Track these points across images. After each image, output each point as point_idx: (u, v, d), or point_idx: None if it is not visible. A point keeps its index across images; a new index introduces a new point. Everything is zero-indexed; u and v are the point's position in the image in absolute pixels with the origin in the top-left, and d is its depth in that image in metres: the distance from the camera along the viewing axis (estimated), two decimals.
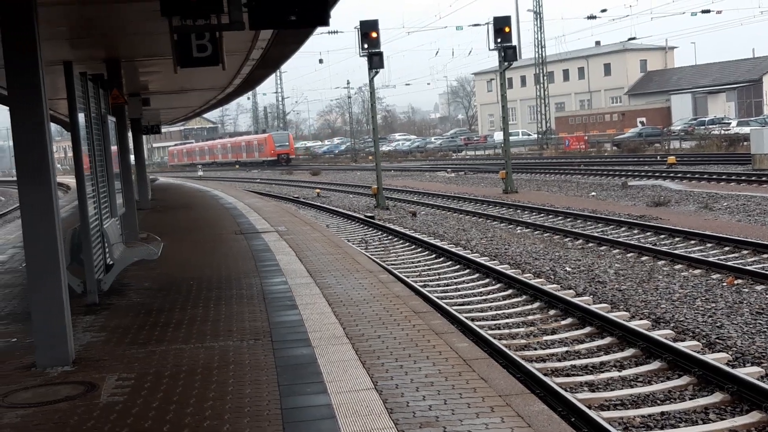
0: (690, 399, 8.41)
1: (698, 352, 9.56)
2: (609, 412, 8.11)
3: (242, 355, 7.71)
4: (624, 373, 9.34)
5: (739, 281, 13.60)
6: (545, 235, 20.87)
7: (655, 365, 9.43)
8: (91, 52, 16.45)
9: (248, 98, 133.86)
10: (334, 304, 9.72)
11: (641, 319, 11.78)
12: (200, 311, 9.87)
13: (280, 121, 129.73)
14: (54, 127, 39.48)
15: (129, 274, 12.61)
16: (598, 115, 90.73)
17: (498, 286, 14.53)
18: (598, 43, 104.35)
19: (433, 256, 18.40)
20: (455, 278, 15.75)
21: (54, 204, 7.69)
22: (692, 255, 16.00)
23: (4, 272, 14.27)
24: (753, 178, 31.12)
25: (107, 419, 6.16)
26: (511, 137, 42.33)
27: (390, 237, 22.21)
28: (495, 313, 12.78)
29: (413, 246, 20.13)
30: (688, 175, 34.68)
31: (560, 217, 24.28)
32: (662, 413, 7.99)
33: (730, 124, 63.88)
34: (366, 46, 31.09)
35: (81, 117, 10.18)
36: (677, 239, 18.51)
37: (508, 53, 33.31)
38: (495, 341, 10.29)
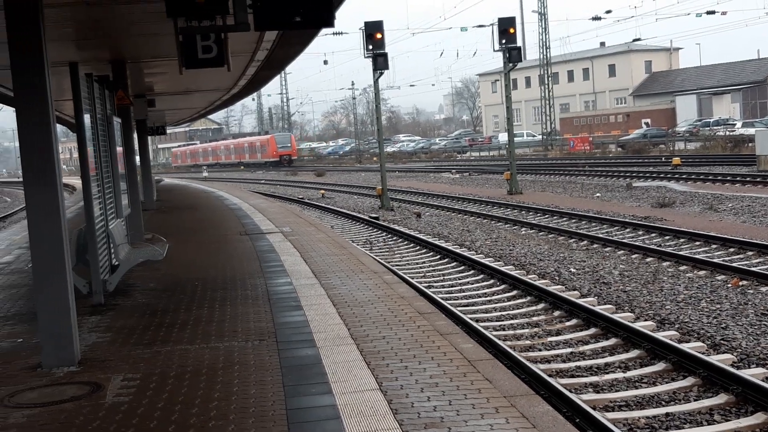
0: (695, 400, 8.40)
1: (703, 354, 9.56)
2: (614, 413, 8.11)
3: (247, 356, 7.73)
4: (629, 374, 9.33)
5: (744, 282, 13.59)
6: (550, 236, 20.86)
7: (659, 366, 9.43)
8: (97, 53, 16.49)
9: (253, 99, 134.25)
10: (339, 305, 9.73)
11: (646, 320, 11.77)
12: (205, 312, 9.88)
13: (284, 122, 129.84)
14: (60, 128, 39.53)
15: (134, 274, 12.63)
16: (602, 116, 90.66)
17: (503, 287, 14.53)
18: (602, 44, 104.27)
19: (438, 257, 18.40)
20: (460, 279, 15.75)
21: (60, 205, 7.71)
22: (697, 256, 15.99)
23: (10, 273, 14.31)
24: (758, 179, 31.07)
25: (113, 419, 6.17)
26: (515, 138, 42.31)
27: (394, 238, 22.21)
28: (500, 314, 12.78)
29: (418, 247, 20.14)
30: (693, 176, 34.63)
31: (565, 218, 24.27)
32: (667, 414, 7.99)
33: (735, 125, 63.77)
34: (370, 47, 31.09)
35: (87, 118, 10.21)
36: (682, 240, 18.49)
37: (512, 54, 33.31)
38: (500, 342, 10.29)
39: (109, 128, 12.47)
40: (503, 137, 72.04)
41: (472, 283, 15.24)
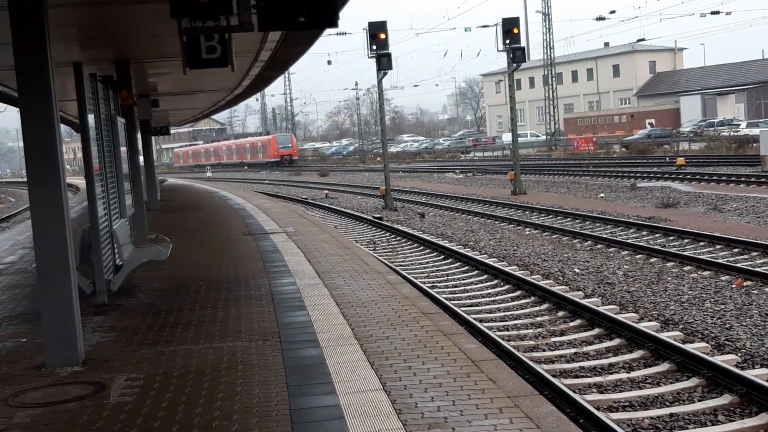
0: (699, 401, 8.39)
1: (707, 354, 9.55)
2: (618, 413, 8.10)
3: (251, 356, 7.73)
4: (633, 374, 9.32)
5: (749, 283, 13.57)
6: (554, 236, 20.85)
7: (663, 367, 9.42)
8: (101, 53, 16.50)
9: (257, 99, 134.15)
10: (343, 305, 9.73)
11: (650, 320, 11.76)
12: (209, 312, 9.89)
13: (288, 122, 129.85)
14: (64, 128, 39.58)
15: (138, 274, 12.64)
16: (606, 116, 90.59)
17: (506, 287, 14.52)
18: (606, 44, 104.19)
19: (442, 257, 18.40)
20: (463, 279, 15.74)
21: (64, 205, 7.72)
22: (701, 256, 15.96)
23: (14, 273, 14.33)
24: (762, 180, 31.00)
25: (116, 419, 6.18)
26: (519, 138, 42.27)
27: (398, 238, 22.21)
28: (503, 314, 12.77)
29: (421, 247, 20.13)
30: (697, 177, 34.59)
31: (569, 219, 24.25)
32: (671, 415, 7.98)
33: (739, 125, 63.68)
34: (374, 47, 31.10)
35: (91, 118, 10.21)
36: (686, 241, 18.47)
37: (516, 54, 33.27)
38: (503, 342, 10.28)
39: (113, 128, 12.48)
40: (507, 137, 71.97)
41: (476, 284, 15.23)
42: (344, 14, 9.97)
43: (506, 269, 15.64)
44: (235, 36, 8.58)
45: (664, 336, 10.32)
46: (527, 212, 27.15)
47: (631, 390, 8.83)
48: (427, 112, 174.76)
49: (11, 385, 7.25)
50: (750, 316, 11.58)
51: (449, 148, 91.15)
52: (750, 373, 8.67)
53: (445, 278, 16.00)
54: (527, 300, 13.49)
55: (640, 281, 14.52)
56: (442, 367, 7.01)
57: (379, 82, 33.62)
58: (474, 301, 13.83)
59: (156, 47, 16.50)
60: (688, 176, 35.26)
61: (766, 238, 17.82)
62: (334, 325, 8.76)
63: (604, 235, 19.86)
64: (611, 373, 9.45)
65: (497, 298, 13.94)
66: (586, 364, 9.84)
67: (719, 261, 15.37)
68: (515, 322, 12.22)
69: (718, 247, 17.33)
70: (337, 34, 56.82)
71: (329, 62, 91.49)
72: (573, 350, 10.48)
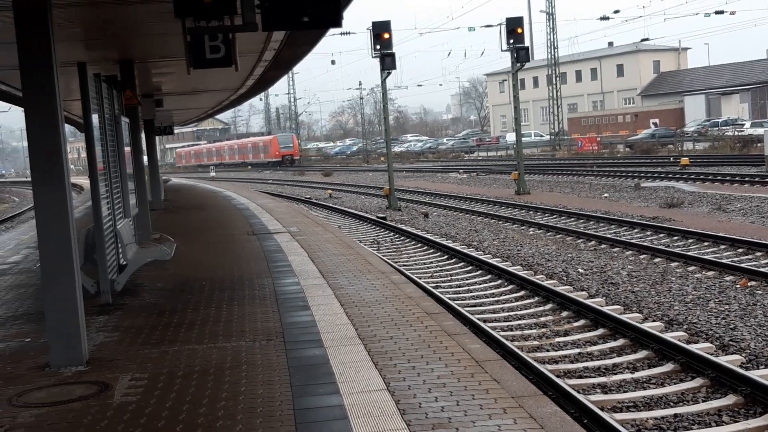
0: (703, 401, 8.38)
1: (711, 354, 9.52)
2: (622, 413, 8.09)
3: (255, 356, 7.73)
4: (637, 374, 9.31)
5: (753, 283, 13.54)
6: (558, 236, 20.83)
7: (668, 367, 9.40)
8: (105, 53, 16.53)
9: (261, 99, 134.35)
10: (347, 305, 9.73)
11: (654, 320, 11.75)
12: (213, 312, 9.89)
13: (292, 122, 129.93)
14: (68, 128, 39.63)
15: (142, 274, 12.65)
16: (610, 116, 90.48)
17: (510, 287, 14.51)
18: (610, 44, 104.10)
19: (446, 257, 18.39)
20: (467, 279, 15.73)
21: (68, 204, 7.72)
22: (706, 257, 15.94)
23: (18, 272, 14.35)
24: (767, 180, 30.97)
25: (120, 419, 6.18)
26: (523, 138, 42.28)
27: (402, 238, 22.21)
28: (507, 314, 12.76)
29: (425, 247, 20.13)
30: (701, 177, 34.55)
31: (573, 219, 24.23)
32: (675, 415, 7.97)
33: (743, 125, 63.61)
34: (378, 47, 31.08)
35: (95, 118, 10.23)
36: (690, 241, 18.44)
37: (520, 54, 33.27)
38: (507, 343, 10.27)
39: (117, 128, 12.49)
40: (511, 137, 71.97)
41: (480, 284, 15.22)
42: (348, 14, 9.99)
43: (510, 269, 15.63)
44: (239, 36, 8.58)
45: (669, 336, 10.30)
46: (531, 212, 27.14)
47: (635, 390, 8.82)
48: (431, 111, 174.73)
49: (15, 385, 7.26)
50: (754, 317, 11.56)
51: (453, 148, 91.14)
52: (754, 374, 8.65)
53: (449, 278, 16.00)
54: (531, 300, 13.49)
55: (644, 281, 14.50)
56: (446, 367, 7.01)
57: (383, 81, 33.61)
58: (478, 301, 13.82)
59: (160, 47, 16.52)
60: (692, 176, 35.22)
61: None
62: (337, 325, 8.75)
63: (608, 235, 19.84)
64: (615, 374, 9.44)
65: (501, 298, 13.93)
66: (590, 364, 9.83)
67: (723, 261, 15.34)
68: (519, 322, 12.22)
69: (723, 247, 17.30)
70: (341, 33, 56.72)
71: (333, 62, 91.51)
72: (577, 350, 10.47)
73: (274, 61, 19.73)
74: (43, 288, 7.98)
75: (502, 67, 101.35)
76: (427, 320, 8.77)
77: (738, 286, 13.55)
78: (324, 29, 13.19)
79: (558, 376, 8.97)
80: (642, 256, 16.90)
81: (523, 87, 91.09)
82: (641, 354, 9.99)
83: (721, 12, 63.64)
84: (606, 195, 31.85)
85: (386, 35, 31.02)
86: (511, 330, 11.73)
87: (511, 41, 33.02)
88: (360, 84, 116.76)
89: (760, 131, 51.91)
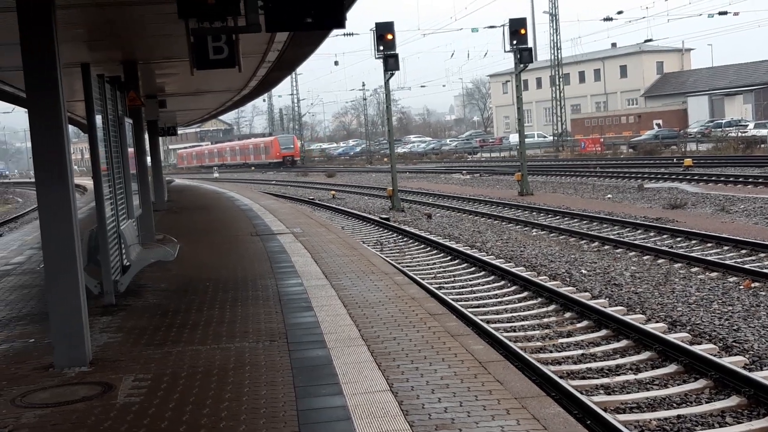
0: (706, 402, 8.37)
1: (715, 356, 9.52)
2: (625, 415, 8.08)
3: (258, 357, 7.74)
4: (640, 376, 9.30)
5: (756, 284, 13.53)
6: (561, 237, 20.82)
7: (671, 368, 9.40)
8: (109, 54, 16.55)
9: (264, 100, 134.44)
10: (350, 306, 9.73)
11: (657, 321, 11.74)
12: (216, 312, 9.90)
13: (295, 123, 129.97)
14: (71, 128, 39.69)
15: (145, 275, 12.66)
16: (614, 117, 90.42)
17: (513, 288, 14.50)
18: (614, 44, 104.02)
19: (449, 258, 18.39)
20: (470, 280, 15.73)
21: (71, 205, 7.73)
22: (709, 258, 15.92)
23: (22, 273, 14.36)
24: None
25: (124, 420, 6.19)
26: (526, 139, 42.21)
27: (405, 239, 22.21)
28: (510, 315, 12.76)
29: (428, 248, 20.13)
30: (704, 178, 34.51)
31: (576, 220, 24.21)
32: (678, 416, 7.96)
33: (747, 126, 63.54)
34: (381, 48, 31.10)
35: (98, 119, 10.23)
36: (694, 242, 18.43)
37: (523, 55, 33.27)
38: (511, 344, 10.27)
39: (121, 129, 12.51)
40: (514, 138, 71.97)
41: (483, 285, 15.22)
42: (351, 15, 9.98)
43: (513, 270, 15.63)
44: (242, 37, 8.60)
45: (672, 337, 10.29)
46: (534, 213, 27.12)
47: (638, 391, 8.82)
48: (434, 112, 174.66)
49: (19, 386, 7.27)
50: (758, 318, 11.55)
51: (456, 149, 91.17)
52: (758, 375, 8.64)
53: (452, 279, 15.99)
54: (534, 301, 13.48)
55: (647, 282, 14.49)
56: (449, 368, 7.01)
57: (386, 82, 33.63)
58: (481, 302, 13.82)
59: (163, 48, 16.54)
60: (696, 177, 35.19)
61: None
62: (341, 326, 8.76)
63: (612, 236, 19.83)
64: (618, 375, 9.43)
65: (504, 299, 13.92)
66: (593, 365, 9.83)
67: (727, 262, 15.33)
68: (522, 323, 12.21)
69: (726, 248, 17.28)
70: (344, 34, 56.73)
71: (336, 63, 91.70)
72: (580, 351, 10.47)
73: (277, 62, 19.75)
74: (46, 289, 7.99)
75: (505, 68, 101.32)
76: (431, 321, 8.77)
77: (741, 287, 13.53)
78: (327, 30, 13.21)
79: (561, 377, 8.96)
80: (645, 257, 16.88)
81: (526, 88, 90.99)
82: (644, 355, 9.99)
83: (725, 13, 63.66)
84: (609, 196, 31.83)
85: (389, 36, 31.04)
86: (515, 331, 11.72)
87: (515, 42, 33.02)
88: (363, 85, 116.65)
89: (763, 132, 51.93)
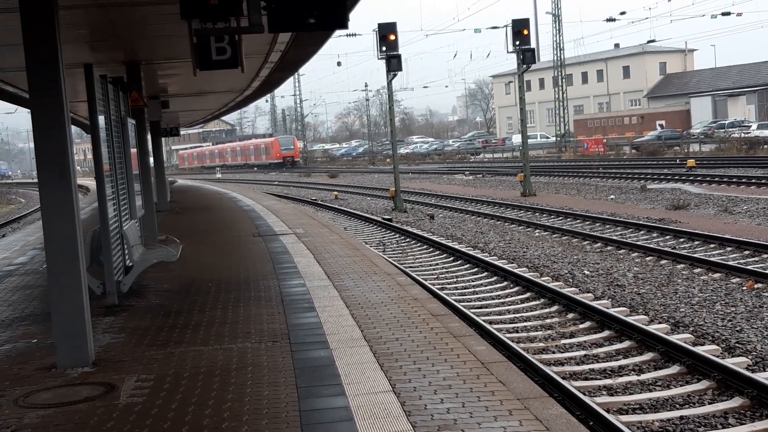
0: (709, 403, 8.36)
1: (718, 357, 9.51)
2: (627, 416, 8.08)
3: (260, 357, 7.73)
4: (643, 377, 9.30)
5: (759, 285, 13.51)
6: (563, 238, 20.81)
7: (674, 369, 9.39)
8: (111, 54, 16.56)
9: (266, 101, 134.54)
10: (352, 307, 9.73)
11: (660, 322, 11.73)
12: (219, 313, 9.90)
13: (298, 123, 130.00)
14: (74, 129, 39.74)
15: (148, 275, 12.67)
16: (617, 117, 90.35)
17: (516, 289, 14.50)
18: (617, 45, 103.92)
19: (451, 258, 18.38)
20: (473, 281, 15.72)
21: (74, 205, 7.74)
22: (712, 259, 15.91)
23: (25, 273, 14.38)
24: None
25: (126, 420, 6.19)
26: (529, 140, 42.21)
27: (408, 240, 22.21)
28: (513, 316, 12.75)
29: (431, 249, 20.12)
30: (707, 179, 34.48)
31: (579, 220, 24.20)
32: (681, 417, 7.95)
33: (750, 127, 63.45)
34: (384, 48, 31.10)
35: (101, 119, 10.24)
36: (696, 243, 18.41)
37: (526, 56, 33.23)
38: (513, 344, 10.26)
39: (124, 129, 12.51)
40: (517, 139, 71.88)
41: (486, 285, 15.21)
42: (354, 15, 10.00)
43: (516, 271, 15.62)
44: (245, 37, 8.59)
45: (675, 338, 10.28)
46: (537, 214, 27.11)
47: (641, 392, 8.81)
48: (437, 113, 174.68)
49: (22, 386, 7.28)
50: (761, 319, 11.53)
51: (459, 150, 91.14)
52: (761, 376, 8.63)
53: (455, 280, 15.99)
54: (537, 302, 13.47)
55: (650, 283, 14.48)
56: (451, 368, 7.01)
57: (389, 83, 33.63)
58: (484, 302, 13.82)
59: (166, 49, 16.55)
60: (699, 178, 35.15)
61: None
62: (343, 326, 8.76)
63: (614, 237, 19.81)
64: (621, 376, 9.42)
65: (507, 299, 13.92)
66: (596, 366, 9.82)
67: (730, 263, 15.31)
68: (525, 324, 12.20)
69: (729, 249, 17.26)
70: (347, 35, 56.71)
71: (339, 63, 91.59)
72: (583, 352, 10.46)
73: (280, 62, 19.75)
74: (49, 289, 8.00)
75: (508, 68, 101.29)
76: (433, 322, 8.77)
77: (744, 288, 13.52)
78: (330, 31, 13.20)
79: (564, 378, 8.96)
80: (648, 258, 16.87)
81: (529, 89, 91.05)
82: (647, 356, 9.98)
83: (728, 13, 63.50)
84: (612, 197, 31.81)
85: (392, 37, 31.04)
86: (517, 332, 11.72)
87: (517, 43, 33.00)
88: (366, 85, 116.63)
89: (766, 133, 51.86)
